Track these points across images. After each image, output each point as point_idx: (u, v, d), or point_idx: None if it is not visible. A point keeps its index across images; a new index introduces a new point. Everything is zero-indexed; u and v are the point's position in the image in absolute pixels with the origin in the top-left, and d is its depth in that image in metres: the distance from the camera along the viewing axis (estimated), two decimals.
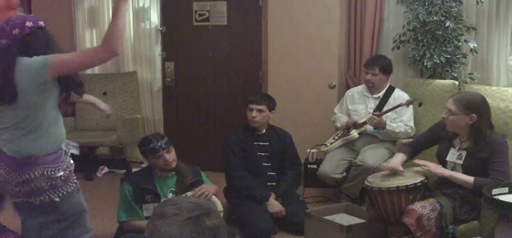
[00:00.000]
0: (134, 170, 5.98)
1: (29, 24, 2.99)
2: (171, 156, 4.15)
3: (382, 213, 3.76)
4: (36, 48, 2.97)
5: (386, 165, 4.02)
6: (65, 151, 3.09)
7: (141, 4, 6.97)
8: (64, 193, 3.00)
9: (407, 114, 5.24)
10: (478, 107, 3.68)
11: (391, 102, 5.28)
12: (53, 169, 2.96)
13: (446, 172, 3.74)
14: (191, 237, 1.63)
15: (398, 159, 4.00)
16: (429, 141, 4.10)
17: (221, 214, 4.07)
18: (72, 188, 3.05)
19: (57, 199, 2.97)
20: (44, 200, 2.96)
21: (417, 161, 3.85)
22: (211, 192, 4.20)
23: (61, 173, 2.98)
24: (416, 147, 4.12)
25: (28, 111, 2.94)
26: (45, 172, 2.94)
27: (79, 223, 3.13)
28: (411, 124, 5.25)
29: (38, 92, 2.93)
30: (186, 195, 4.07)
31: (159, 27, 6.84)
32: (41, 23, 3.04)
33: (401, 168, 3.87)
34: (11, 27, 2.98)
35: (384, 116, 5.19)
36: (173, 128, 6.80)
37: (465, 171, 3.68)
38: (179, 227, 1.64)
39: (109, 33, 2.86)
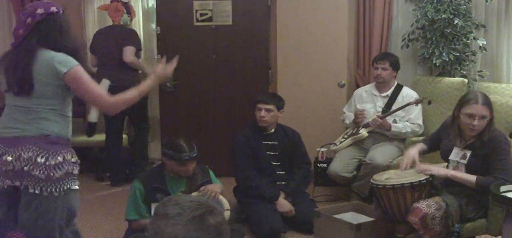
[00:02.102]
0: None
1: (40, 11, 3.02)
2: (193, 167, 4.16)
3: (388, 210, 3.76)
4: (50, 36, 3.01)
5: (402, 161, 4.01)
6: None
7: (150, 5, 6.97)
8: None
9: (415, 112, 5.23)
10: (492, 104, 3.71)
11: (399, 101, 5.27)
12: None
13: (448, 173, 3.73)
14: (196, 236, 1.64)
15: (418, 147, 4.01)
16: (439, 138, 4.10)
17: (228, 213, 4.09)
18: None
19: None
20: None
21: (418, 167, 3.83)
22: (217, 192, 4.20)
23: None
24: (432, 142, 4.11)
25: (42, 100, 3.00)
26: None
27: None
28: (419, 121, 5.24)
29: (54, 86, 2.99)
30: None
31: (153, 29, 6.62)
32: (53, 9, 3.06)
33: (416, 157, 3.89)
34: (25, 16, 3.03)
35: (392, 115, 5.19)
36: (172, 132, 6.19)
37: (469, 170, 3.67)
38: (183, 227, 1.64)
39: (123, 101, 3.10)
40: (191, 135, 5.95)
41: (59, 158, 2.98)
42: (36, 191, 2.97)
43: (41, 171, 2.94)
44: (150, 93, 6.78)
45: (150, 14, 7.02)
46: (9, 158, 2.96)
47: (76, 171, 3.10)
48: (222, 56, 6.36)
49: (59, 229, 3.10)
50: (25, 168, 2.94)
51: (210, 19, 6.27)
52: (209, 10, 6.25)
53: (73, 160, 3.07)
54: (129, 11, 6.34)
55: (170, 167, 4.17)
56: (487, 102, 3.65)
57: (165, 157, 4.18)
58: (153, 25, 6.99)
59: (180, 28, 6.31)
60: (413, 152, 3.95)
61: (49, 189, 2.98)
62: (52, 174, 2.96)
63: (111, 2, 6.42)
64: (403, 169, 3.88)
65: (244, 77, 6.36)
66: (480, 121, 3.60)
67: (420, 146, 4.06)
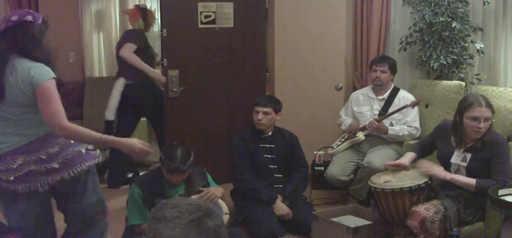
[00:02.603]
0: (141, 173, 6.04)
1: (14, 18, 3.06)
2: (181, 178, 4.08)
3: (386, 214, 3.75)
4: (20, 44, 3.03)
5: (389, 163, 4.03)
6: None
7: (148, 7, 6.94)
8: None
9: (412, 115, 5.23)
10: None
11: (396, 104, 5.27)
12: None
13: (448, 176, 3.73)
14: None
15: (408, 157, 4.01)
16: (433, 143, 4.10)
17: (227, 217, 4.07)
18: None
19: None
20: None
21: (419, 164, 3.83)
22: (217, 195, 4.18)
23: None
24: (424, 147, 4.13)
25: (23, 108, 3.02)
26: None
27: None
28: (416, 124, 5.24)
29: (32, 97, 3.01)
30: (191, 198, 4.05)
31: (158, 31, 6.60)
32: (28, 18, 3.07)
33: (407, 163, 3.88)
34: (2, 22, 3.08)
35: (389, 118, 5.19)
36: (176, 137, 6.01)
37: (470, 172, 3.67)
38: (182, 230, 1.62)
39: (78, 133, 3.11)
40: (193, 138, 6.06)
41: (56, 147, 3.08)
42: (66, 176, 3.09)
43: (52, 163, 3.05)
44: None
45: None
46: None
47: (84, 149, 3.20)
48: (223, 58, 6.28)
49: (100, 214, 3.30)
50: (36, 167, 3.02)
51: (213, 21, 6.18)
52: (213, 12, 6.14)
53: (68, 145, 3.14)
54: (146, 17, 6.39)
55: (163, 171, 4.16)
56: (489, 104, 3.70)
57: (160, 160, 4.16)
58: (154, 28, 6.99)
59: (185, 31, 6.13)
60: (402, 161, 3.97)
61: (71, 172, 3.10)
62: (65, 160, 3.09)
63: (134, 7, 6.61)
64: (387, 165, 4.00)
65: (243, 80, 6.30)
66: (485, 123, 3.64)
67: (410, 156, 4.05)
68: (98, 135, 3.18)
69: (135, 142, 3.29)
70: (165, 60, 6.03)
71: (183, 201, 1.72)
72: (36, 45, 3.06)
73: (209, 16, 6.14)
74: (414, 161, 4.06)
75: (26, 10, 3.21)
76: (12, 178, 3.00)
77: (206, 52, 6.19)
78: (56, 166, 3.06)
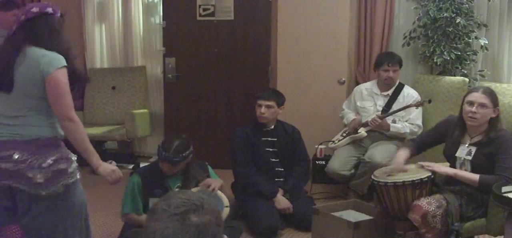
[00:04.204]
0: (142, 164, 6.04)
1: (35, 9, 3.03)
2: (172, 170, 4.08)
3: (389, 208, 3.74)
4: (38, 35, 2.99)
5: (389, 167, 3.99)
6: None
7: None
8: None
9: (415, 113, 5.20)
10: (498, 100, 3.69)
11: (400, 100, 5.24)
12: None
13: (450, 171, 3.70)
14: (173, 234, 1.59)
15: (402, 155, 3.96)
16: (434, 139, 4.06)
17: (228, 210, 4.04)
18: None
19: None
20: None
21: (420, 163, 3.81)
22: (217, 186, 4.17)
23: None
24: (421, 144, 4.08)
25: (28, 100, 2.97)
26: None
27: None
28: (418, 122, 5.21)
29: (40, 87, 2.95)
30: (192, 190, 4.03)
31: (160, 22, 6.73)
32: (49, 10, 3.05)
33: (404, 167, 3.85)
34: (21, 14, 3.04)
35: (392, 115, 5.16)
36: (174, 124, 6.68)
37: (474, 167, 3.64)
38: (162, 224, 1.60)
39: (78, 134, 3.02)
40: (193, 128, 6.43)
41: (49, 160, 2.95)
42: (34, 192, 2.94)
43: (36, 174, 2.92)
44: (161, 88, 6.98)
45: (150, 8, 7.01)
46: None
47: (71, 168, 3.05)
48: (223, 50, 6.48)
49: (78, 231, 3.12)
50: (20, 170, 2.92)
51: (212, 14, 6.38)
52: (212, 5, 6.37)
53: (64, 158, 3.04)
54: None
55: None
56: (488, 93, 3.65)
57: (157, 147, 4.15)
58: (153, 19, 7.00)
59: (184, 23, 6.45)
60: (398, 165, 3.91)
61: (48, 190, 2.95)
62: (47, 176, 2.93)
63: None
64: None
65: (244, 72, 6.46)
66: (479, 108, 3.60)
67: (404, 154, 3.97)
68: (91, 151, 3.10)
69: (111, 169, 3.21)
70: (164, 48, 6.54)
71: (178, 195, 1.69)
72: (55, 37, 3.03)
73: (208, 9, 6.39)
74: (409, 157, 4.02)
75: (46, 2, 3.17)
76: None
77: (203, 43, 6.47)
78: (41, 180, 2.95)
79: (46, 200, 2.98)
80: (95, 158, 3.12)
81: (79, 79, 3.14)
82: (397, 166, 3.88)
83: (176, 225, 1.60)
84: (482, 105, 3.60)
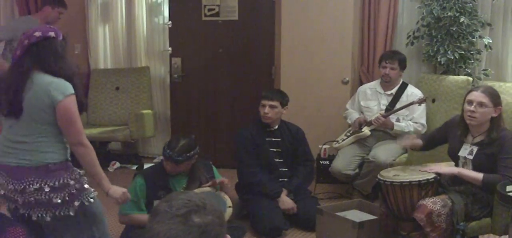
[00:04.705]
0: (146, 165, 6.04)
1: (37, 34, 3.05)
2: (176, 169, 4.09)
3: (394, 208, 3.73)
4: (45, 59, 3.03)
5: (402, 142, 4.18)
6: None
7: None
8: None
9: (418, 111, 5.19)
10: (500, 99, 3.67)
11: (404, 99, 5.24)
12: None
13: (454, 170, 3.70)
14: (176, 235, 1.58)
15: (412, 138, 4.14)
16: (439, 138, 4.08)
17: (230, 210, 4.04)
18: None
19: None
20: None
21: (422, 168, 3.81)
22: (225, 180, 4.16)
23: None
24: (430, 140, 4.11)
25: (37, 125, 3.01)
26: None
27: None
28: (422, 121, 5.20)
29: (49, 113, 3.00)
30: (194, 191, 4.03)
31: (166, 23, 6.76)
32: (51, 34, 3.08)
33: (416, 140, 4.07)
34: (24, 38, 3.06)
35: (396, 113, 5.16)
36: (180, 123, 6.75)
37: (475, 166, 3.64)
38: (166, 225, 1.60)
39: (89, 159, 3.10)
40: (199, 127, 6.56)
41: (57, 183, 3.01)
42: (48, 218, 3.02)
43: (49, 197, 2.99)
44: (164, 88, 7.08)
45: (154, 9, 7.01)
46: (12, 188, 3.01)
47: (81, 186, 3.13)
48: (228, 50, 6.53)
49: None
50: (32, 198, 2.99)
51: (217, 14, 6.44)
52: (217, 5, 6.43)
53: (74, 179, 3.10)
54: None
55: None
56: (488, 92, 3.64)
57: (163, 147, 4.16)
58: (156, 20, 7.00)
59: (190, 23, 6.54)
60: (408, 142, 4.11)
61: (62, 212, 3.03)
62: (56, 200, 3.00)
63: None
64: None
65: (248, 72, 6.50)
66: (477, 107, 3.59)
67: (417, 141, 4.14)
68: (102, 171, 3.18)
69: (119, 192, 3.29)
70: (170, 48, 6.61)
71: (180, 196, 1.69)
72: (59, 61, 3.06)
73: (213, 9, 6.44)
74: (418, 147, 4.11)
75: (48, 26, 3.20)
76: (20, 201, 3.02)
77: (208, 43, 6.55)
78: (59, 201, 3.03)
79: (70, 217, 3.06)
80: (105, 181, 3.21)
81: (80, 104, 3.15)
82: (409, 141, 4.02)
83: (179, 226, 1.59)
84: (480, 104, 3.60)
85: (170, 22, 6.56)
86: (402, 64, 5.33)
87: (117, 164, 6.73)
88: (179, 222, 1.60)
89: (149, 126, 6.68)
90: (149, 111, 6.77)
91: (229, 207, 4.06)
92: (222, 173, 4.54)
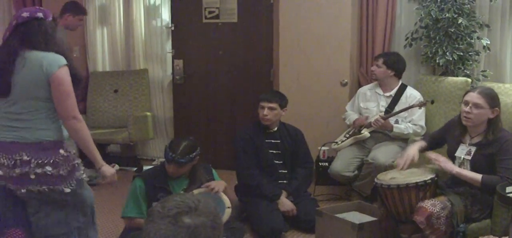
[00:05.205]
0: (145, 167, 6.03)
1: (25, 14, 3.07)
2: (178, 171, 4.08)
3: (392, 210, 3.73)
4: (32, 39, 3.03)
5: (400, 160, 3.99)
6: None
7: (152, 1, 6.96)
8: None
9: (418, 114, 5.19)
10: (498, 101, 3.68)
11: (403, 101, 5.24)
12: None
13: (454, 169, 3.70)
14: (165, 235, 1.60)
15: (418, 145, 4.02)
16: (439, 139, 4.08)
17: (229, 211, 4.03)
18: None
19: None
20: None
21: (429, 154, 3.81)
22: (220, 188, 4.16)
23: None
24: (433, 140, 4.11)
25: (32, 102, 3.01)
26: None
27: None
28: (421, 123, 5.20)
29: (44, 88, 3.00)
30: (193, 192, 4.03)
31: (169, 25, 6.79)
32: (39, 14, 3.08)
33: (415, 154, 3.90)
34: (13, 19, 3.10)
35: (395, 116, 5.16)
36: (182, 125, 6.78)
37: (473, 167, 3.64)
38: (156, 225, 1.62)
39: (83, 135, 3.13)
40: (200, 128, 6.63)
41: (51, 160, 3.01)
42: (39, 189, 3.01)
43: (39, 175, 2.99)
44: (163, 90, 7.11)
45: (152, 11, 7.01)
46: (5, 162, 2.99)
47: (74, 166, 3.12)
48: (227, 52, 6.57)
49: (77, 229, 3.19)
50: (25, 171, 2.98)
51: (217, 16, 6.49)
52: (216, 7, 6.46)
53: (67, 159, 3.09)
54: None
55: None
56: (484, 93, 3.64)
57: (164, 149, 4.16)
58: (155, 22, 7.00)
59: (191, 25, 6.60)
60: (412, 151, 3.95)
61: (53, 188, 3.03)
62: (50, 175, 3.00)
63: None
64: (399, 168, 3.87)
65: (246, 74, 6.54)
66: (473, 108, 3.60)
67: (420, 144, 4.07)
68: (96, 152, 3.22)
69: (110, 172, 3.34)
70: (173, 50, 6.72)
71: (174, 197, 1.70)
72: (49, 40, 3.07)
73: (213, 11, 6.47)
74: (423, 150, 4.05)
75: (36, 7, 3.22)
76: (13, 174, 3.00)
77: (209, 45, 6.60)
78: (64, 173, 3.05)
79: (59, 195, 3.06)
80: (98, 156, 3.24)
81: (76, 78, 3.14)
82: (408, 154, 3.90)
83: (168, 226, 1.61)
84: (476, 105, 3.61)
85: (173, 24, 6.62)
86: (390, 64, 5.28)
87: (116, 166, 6.66)
88: (169, 223, 1.61)
89: (148, 128, 6.69)
90: (148, 113, 6.77)
91: (228, 207, 4.05)
92: (221, 174, 4.54)
